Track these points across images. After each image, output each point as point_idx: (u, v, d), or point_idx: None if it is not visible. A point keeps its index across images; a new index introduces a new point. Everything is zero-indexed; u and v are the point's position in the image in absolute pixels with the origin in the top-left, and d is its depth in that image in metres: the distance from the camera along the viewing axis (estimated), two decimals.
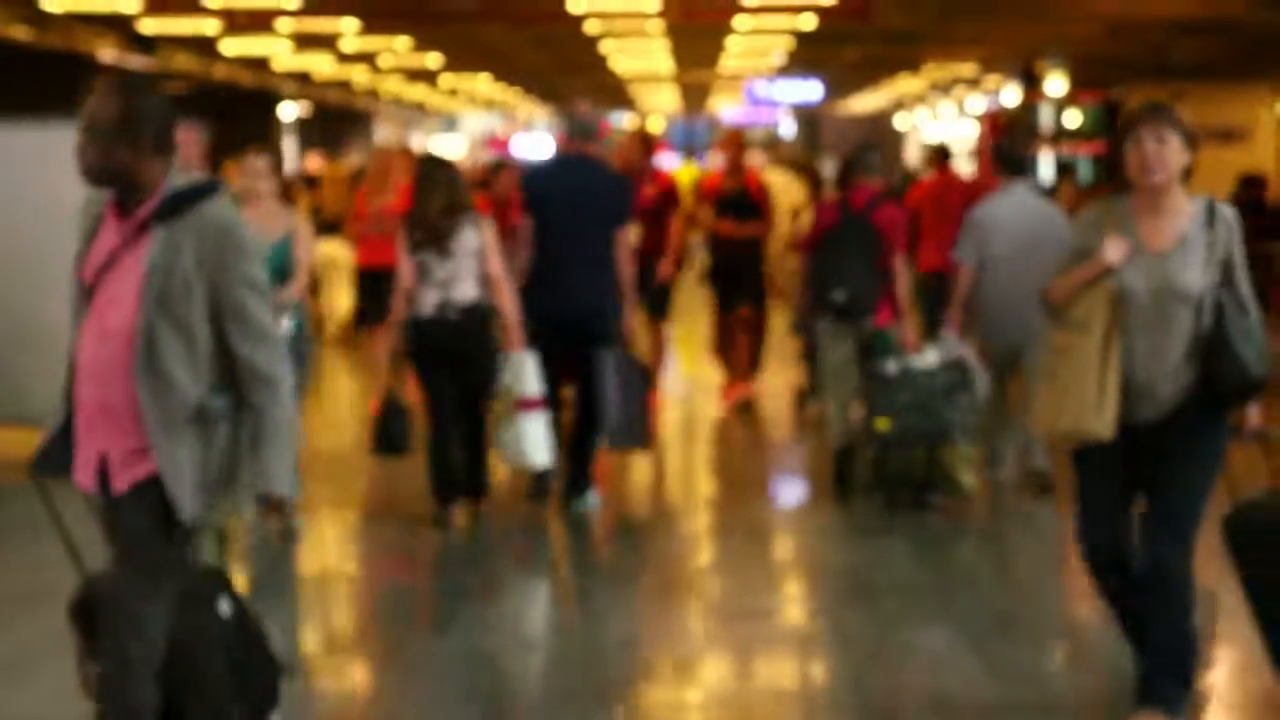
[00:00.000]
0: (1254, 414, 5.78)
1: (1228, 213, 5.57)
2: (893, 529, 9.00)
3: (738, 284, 12.97)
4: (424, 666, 6.72)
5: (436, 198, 8.87)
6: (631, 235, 10.57)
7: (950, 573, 8.32)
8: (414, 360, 8.98)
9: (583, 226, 9.24)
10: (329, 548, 9.16)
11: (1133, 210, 5.62)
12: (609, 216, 9.34)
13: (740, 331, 13.13)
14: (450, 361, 8.92)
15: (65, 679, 6.55)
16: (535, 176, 9.65)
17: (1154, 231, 5.58)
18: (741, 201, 12.85)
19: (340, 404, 13.77)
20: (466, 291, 8.84)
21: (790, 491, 10.48)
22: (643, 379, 9.45)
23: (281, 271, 8.56)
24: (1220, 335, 5.45)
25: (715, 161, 13.91)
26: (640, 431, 9.35)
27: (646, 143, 12.36)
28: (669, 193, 12.63)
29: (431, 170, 9.07)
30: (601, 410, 9.18)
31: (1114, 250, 5.52)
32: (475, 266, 8.85)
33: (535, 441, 8.85)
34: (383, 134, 50.62)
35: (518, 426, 8.82)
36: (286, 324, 8.43)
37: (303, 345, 8.75)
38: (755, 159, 14.88)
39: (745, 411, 12.98)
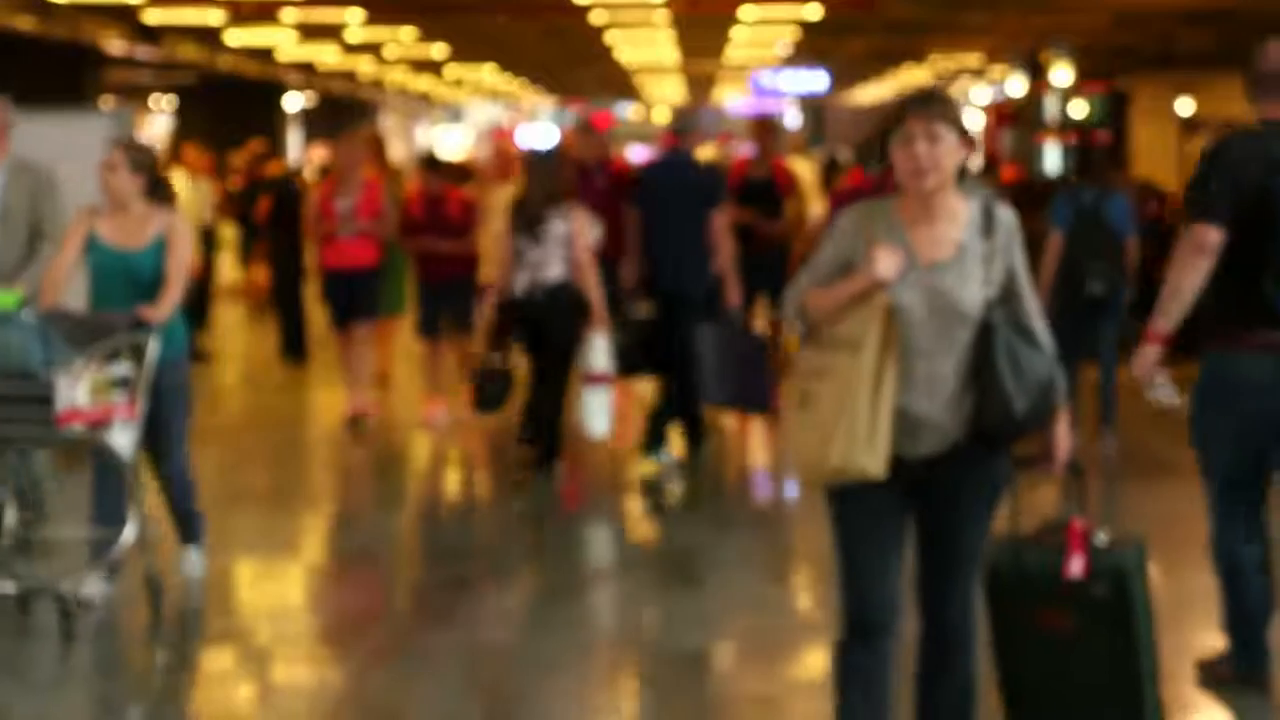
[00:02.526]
0: (1062, 440, 4.81)
1: (1007, 216, 4.76)
2: None
3: (762, 280, 11.97)
4: (426, 659, 6.72)
5: (537, 187, 9.63)
6: (595, 233, 10.89)
7: None
8: (514, 333, 9.75)
9: (687, 213, 10.19)
10: (332, 538, 9.17)
11: (902, 215, 4.78)
12: (706, 201, 10.26)
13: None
14: (537, 336, 9.63)
15: (71, 669, 6.54)
16: (648, 171, 10.66)
17: (928, 240, 4.73)
18: (766, 191, 12.27)
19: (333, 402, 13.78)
20: (553, 274, 9.56)
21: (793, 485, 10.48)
22: (759, 349, 10.27)
23: (153, 285, 7.34)
24: (986, 363, 4.67)
25: (742, 149, 13.35)
26: (762, 398, 10.17)
27: (598, 136, 11.77)
28: (621, 184, 11.58)
29: (536, 161, 9.83)
30: (701, 378, 10.03)
31: (886, 263, 4.62)
32: (563, 252, 9.56)
33: (594, 412, 9.60)
34: (385, 124, 50.65)
35: (584, 397, 9.62)
36: (153, 349, 7.10)
37: (176, 377, 7.43)
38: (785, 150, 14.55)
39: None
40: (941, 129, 4.69)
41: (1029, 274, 4.81)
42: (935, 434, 4.74)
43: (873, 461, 4.66)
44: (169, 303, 7.26)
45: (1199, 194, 5.75)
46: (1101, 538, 5.10)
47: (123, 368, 7.03)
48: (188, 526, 7.83)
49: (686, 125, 10.64)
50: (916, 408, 4.72)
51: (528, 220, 9.64)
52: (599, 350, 9.60)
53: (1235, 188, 5.66)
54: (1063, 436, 4.86)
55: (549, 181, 9.68)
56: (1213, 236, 5.67)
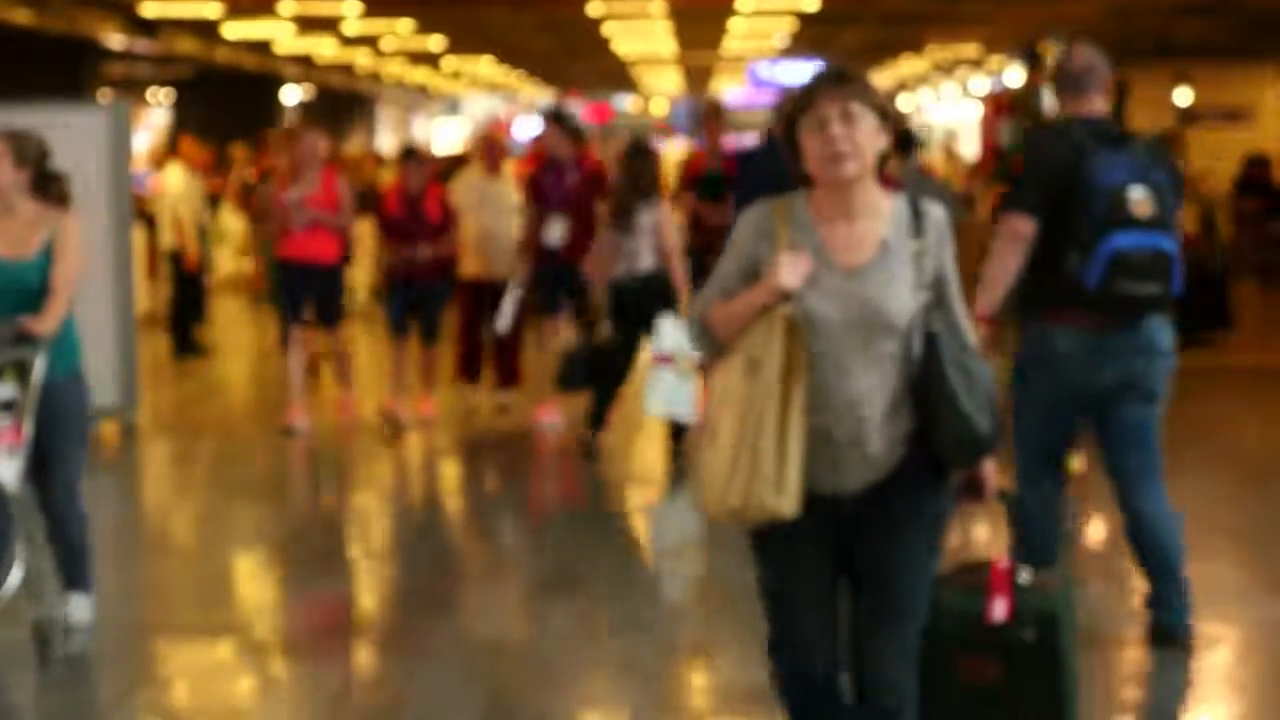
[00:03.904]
0: (990, 471, 4.36)
1: (938, 214, 4.23)
2: None
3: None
4: (430, 650, 6.72)
5: (628, 182, 10.11)
6: (558, 230, 11.14)
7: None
8: (611, 318, 10.22)
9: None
10: (332, 532, 9.17)
11: (814, 212, 4.19)
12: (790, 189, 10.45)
13: None
14: (628, 320, 10.18)
15: (71, 662, 6.55)
16: (746, 159, 10.57)
17: (845, 240, 4.15)
18: (719, 183, 11.77)
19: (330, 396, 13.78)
20: (645, 264, 10.15)
21: None
22: None
23: (39, 295, 6.56)
24: (936, 379, 4.12)
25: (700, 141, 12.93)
26: None
27: (570, 128, 11.45)
28: (594, 179, 11.44)
29: (630, 158, 10.22)
30: None
31: (789, 270, 4.07)
32: (652, 242, 10.13)
33: (656, 392, 10.06)
34: (385, 119, 50.61)
35: (649, 377, 10.11)
36: (39, 368, 6.46)
37: (67, 399, 6.68)
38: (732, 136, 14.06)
39: None
40: (858, 109, 4.09)
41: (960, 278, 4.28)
42: (863, 464, 4.14)
43: (782, 500, 4.03)
44: (55, 314, 6.47)
45: (1013, 188, 6.20)
46: (1025, 577, 4.77)
47: (6, 389, 6.34)
48: (75, 569, 6.79)
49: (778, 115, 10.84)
50: (838, 434, 4.11)
51: (619, 214, 10.14)
52: (667, 333, 9.99)
53: (1047, 178, 6.07)
54: (989, 461, 4.32)
55: (640, 177, 10.16)
56: (1024, 226, 6.10)
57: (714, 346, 4.23)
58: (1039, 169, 6.13)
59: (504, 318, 11.50)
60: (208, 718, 6.13)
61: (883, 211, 4.19)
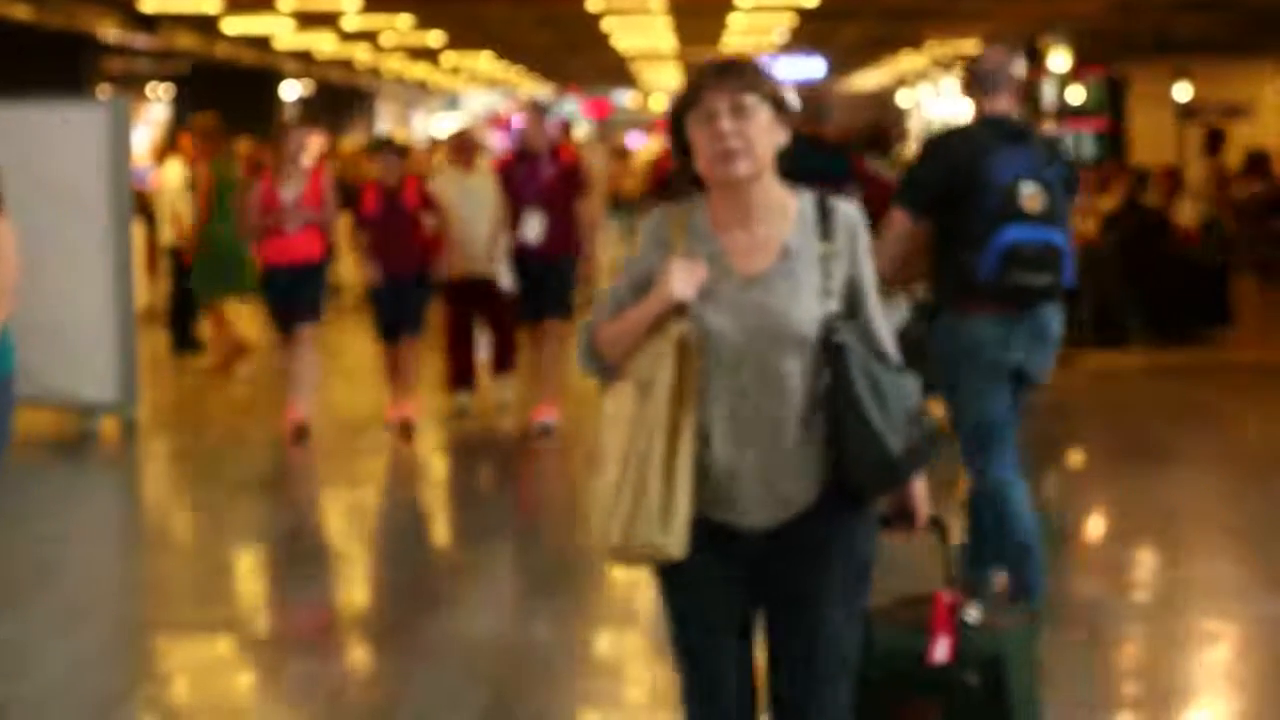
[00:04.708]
0: (920, 495, 3.91)
1: (849, 213, 3.82)
2: None
3: None
4: (428, 647, 6.72)
5: (683, 171, 9.65)
6: (535, 225, 10.76)
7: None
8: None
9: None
10: (331, 529, 9.17)
11: (712, 217, 3.80)
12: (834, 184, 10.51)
13: None
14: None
15: (71, 659, 6.56)
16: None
17: (744, 246, 3.75)
18: (696, 182, 11.79)
19: (327, 393, 13.74)
20: None
21: None
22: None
23: None
24: (842, 394, 3.68)
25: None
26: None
27: (547, 120, 11.17)
28: (571, 172, 11.10)
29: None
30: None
31: (680, 278, 3.68)
32: None
33: None
34: (387, 115, 50.61)
35: None
36: None
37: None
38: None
39: None
40: (750, 101, 3.70)
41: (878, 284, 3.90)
42: (770, 497, 3.70)
43: (669, 539, 3.61)
44: None
45: (904, 185, 6.48)
46: (973, 614, 4.36)
47: None
48: None
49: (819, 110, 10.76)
50: (739, 464, 3.68)
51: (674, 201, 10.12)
52: None
53: (945, 176, 6.32)
54: (920, 486, 3.89)
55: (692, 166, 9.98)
56: (906, 222, 6.38)
57: (604, 368, 3.78)
58: (936, 167, 6.40)
59: (506, 276, 11.03)
60: (207, 714, 6.13)
61: (787, 212, 3.78)
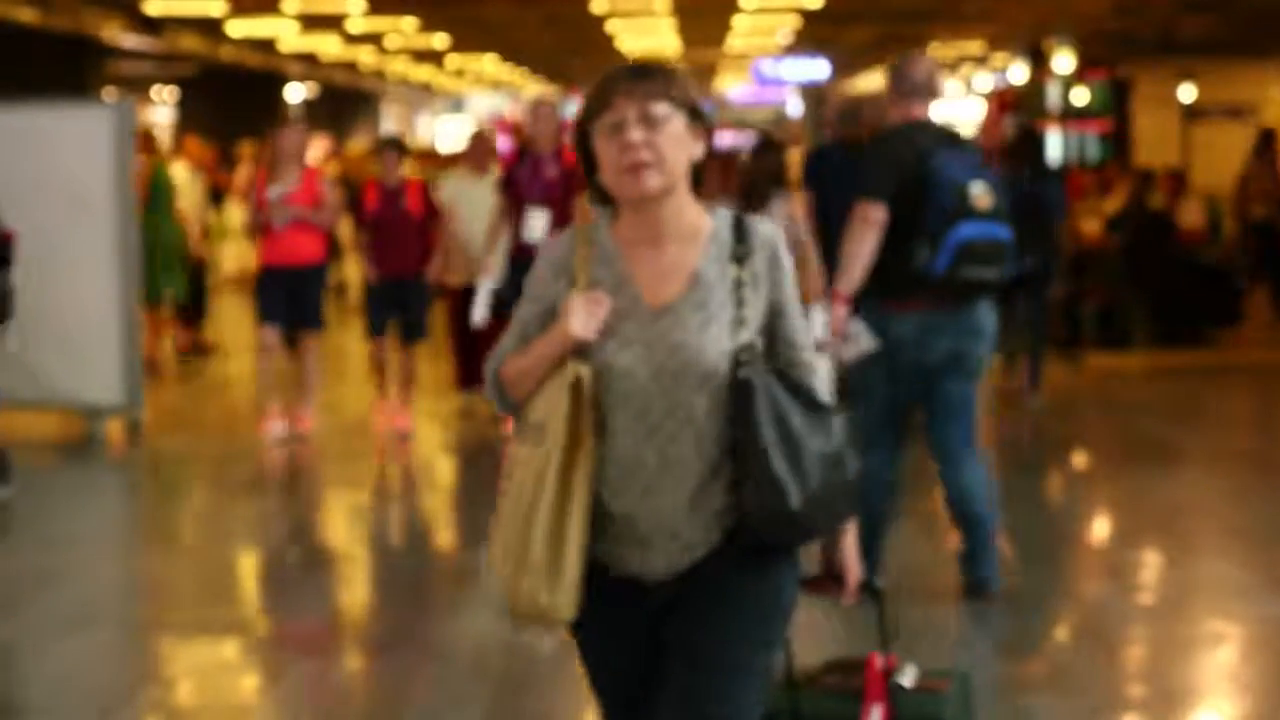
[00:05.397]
0: (849, 554, 3.57)
1: (768, 233, 3.46)
2: (895, 510, 8.99)
3: None
4: (434, 648, 6.72)
5: (763, 171, 9.92)
6: (539, 224, 10.62)
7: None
8: None
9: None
10: (337, 529, 9.18)
11: (619, 238, 3.44)
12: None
13: None
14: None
15: (75, 660, 6.57)
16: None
17: (652, 271, 3.41)
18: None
19: (331, 395, 13.75)
20: None
21: None
22: None
23: None
24: (746, 438, 3.33)
25: None
26: None
27: (553, 120, 10.97)
28: (574, 173, 10.84)
29: (761, 147, 10.14)
30: None
31: (580, 315, 3.34)
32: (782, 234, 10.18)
33: None
34: (390, 116, 50.62)
35: None
36: None
37: None
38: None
39: None
40: (663, 110, 3.35)
41: (802, 310, 3.53)
42: (675, 545, 3.38)
43: (556, 597, 3.31)
44: None
45: (865, 180, 6.76)
46: (908, 678, 4.03)
47: None
48: None
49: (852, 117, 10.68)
50: (643, 510, 3.36)
51: (754, 203, 10.14)
52: (817, 321, 9.91)
53: (896, 174, 6.64)
54: (850, 545, 3.56)
55: (773, 165, 10.01)
56: (878, 212, 6.68)
57: (511, 406, 3.46)
58: (888, 164, 6.70)
59: (479, 309, 10.76)
60: (211, 716, 6.13)
61: (699, 234, 3.43)
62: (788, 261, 3.47)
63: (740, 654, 3.40)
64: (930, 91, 6.87)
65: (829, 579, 3.57)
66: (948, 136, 6.81)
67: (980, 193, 6.62)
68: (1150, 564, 8.03)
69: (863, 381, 6.92)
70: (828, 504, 3.36)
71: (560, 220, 10.85)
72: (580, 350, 3.35)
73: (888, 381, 6.86)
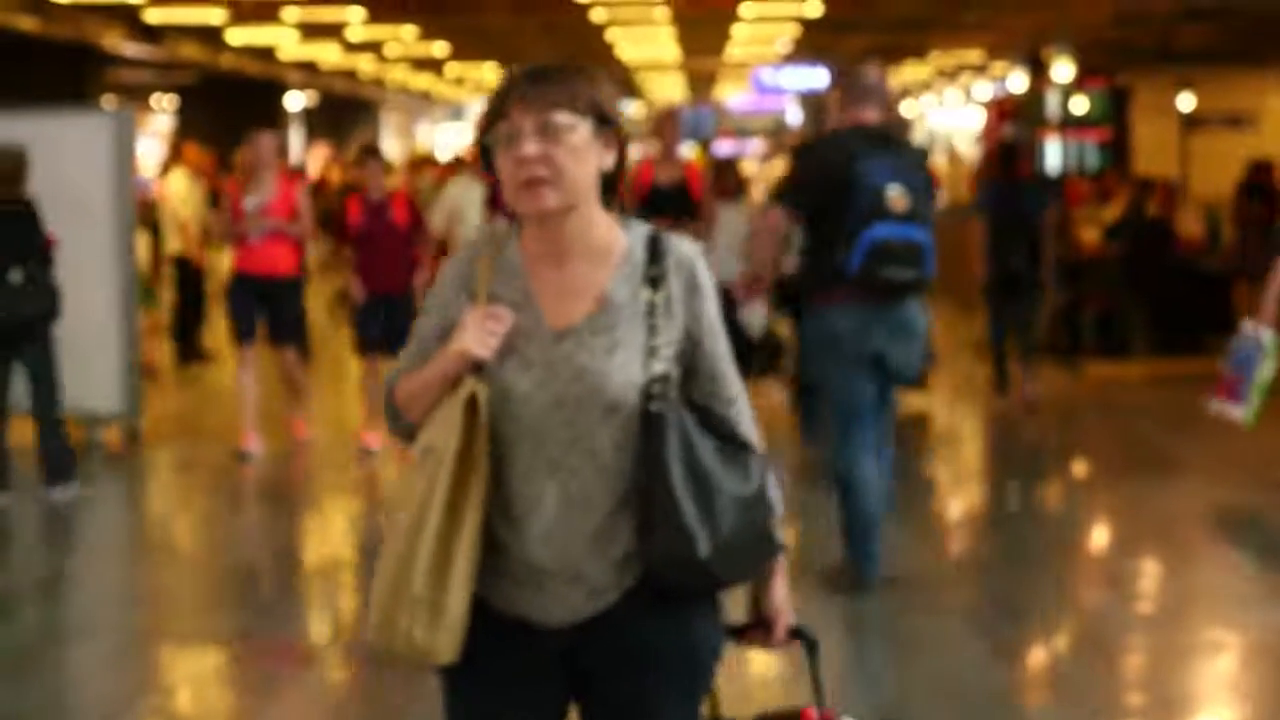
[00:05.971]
0: (779, 597, 3.25)
1: (686, 253, 3.15)
2: (895, 519, 8.99)
3: None
4: None
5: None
6: None
7: (954, 560, 8.31)
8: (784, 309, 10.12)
9: None
10: (334, 539, 9.17)
11: (525, 254, 3.16)
12: None
13: None
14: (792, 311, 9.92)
15: (74, 669, 6.56)
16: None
17: (556, 292, 3.12)
18: (678, 198, 10.51)
19: (331, 403, 13.77)
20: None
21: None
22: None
23: None
24: (653, 474, 3.03)
25: (649, 149, 11.23)
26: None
27: None
28: None
29: (803, 153, 10.29)
30: None
31: (477, 332, 3.06)
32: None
33: None
34: (391, 123, 50.65)
35: None
36: None
37: None
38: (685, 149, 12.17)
39: None
40: (565, 119, 3.05)
41: (728, 337, 3.22)
42: (576, 590, 3.07)
43: (437, 636, 3.01)
44: None
45: (783, 187, 7.21)
46: None
47: None
48: None
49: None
50: (538, 551, 3.05)
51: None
52: None
53: (821, 179, 6.95)
54: (779, 590, 3.25)
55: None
56: (782, 220, 7.13)
57: (406, 430, 3.18)
58: (813, 171, 7.04)
59: None
60: None
61: (610, 253, 3.12)
62: (709, 286, 3.15)
63: (662, 714, 3.12)
64: (878, 98, 7.14)
65: (757, 625, 3.26)
66: (884, 140, 7.04)
67: (897, 195, 6.88)
68: (1149, 572, 8.02)
69: (821, 382, 7.23)
70: (741, 551, 3.07)
71: None
72: (475, 371, 3.07)
73: (840, 374, 7.06)
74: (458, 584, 3.00)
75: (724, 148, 35.33)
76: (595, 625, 3.08)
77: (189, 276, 15.47)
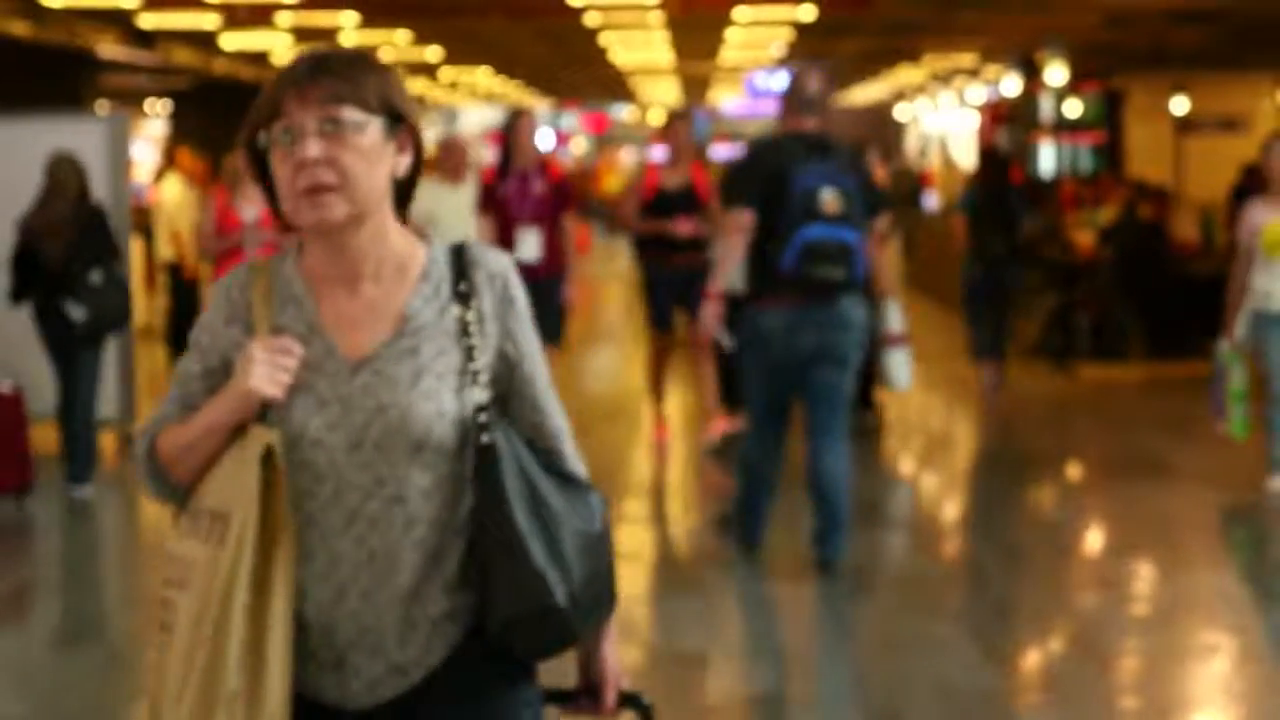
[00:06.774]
0: (610, 663, 2.90)
1: (497, 264, 2.75)
2: (888, 522, 9.00)
3: (682, 298, 10.69)
4: None
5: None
6: (532, 243, 10.35)
7: (948, 563, 8.32)
8: None
9: None
10: None
11: (306, 271, 2.74)
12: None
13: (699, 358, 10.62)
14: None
15: (70, 675, 6.56)
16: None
17: (348, 315, 2.70)
18: (685, 201, 10.58)
19: None
20: None
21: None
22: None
23: None
24: (490, 516, 2.65)
25: (657, 154, 10.95)
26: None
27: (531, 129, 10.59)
28: (561, 188, 10.53)
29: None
30: None
31: (263, 367, 2.63)
32: None
33: (895, 369, 9.75)
34: None
35: (884, 358, 9.84)
36: None
37: None
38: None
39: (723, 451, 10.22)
40: (352, 116, 2.62)
41: (546, 359, 2.83)
42: (379, 665, 2.66)
43: None
44: None
45: (732, 189, 7.46)
46: None
47: None
48: None
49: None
50: (339, 619, 2.65)
51: None
52: (893, 313, 9.64)
53: (760, 182, 7.28)
54: (610, 651, 2.87)
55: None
56: (744, 218, 7.35)
57: (171, 491, 2.72)
58: (753, 173, 7.37)
59: None
60: None
61: (408, 269, 2.71)
62: (523, 301, 2.76)
63: None
64: (815, 105, 7.46)
65: (585, 692, 2.88)
66: (821, 147, 7.39)
67: (829, 198, 7.25)
68: (1143, 575, 8.04)
69: (746, 378, 7.62)
70: (593, 598, 2.70)
71: (551, 238, 10.48)
72: (264, 414, 2.63)
73: (763, 373, 7.47)
74: (276, 669, 2.59)
75: (719, 152, 35.37)
76: (401, 709, 2.68)
77: (182, 283, 15.47)
